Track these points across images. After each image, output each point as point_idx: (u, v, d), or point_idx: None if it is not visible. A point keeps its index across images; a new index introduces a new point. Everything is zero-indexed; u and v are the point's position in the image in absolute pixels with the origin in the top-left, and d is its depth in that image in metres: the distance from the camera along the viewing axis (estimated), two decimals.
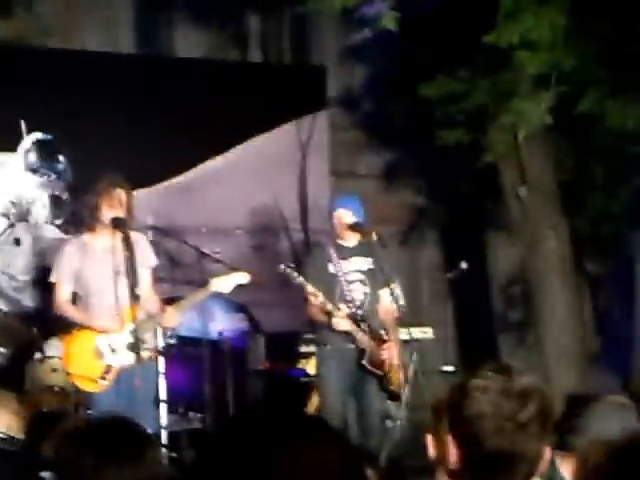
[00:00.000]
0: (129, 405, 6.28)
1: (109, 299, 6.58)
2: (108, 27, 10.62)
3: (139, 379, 6.49)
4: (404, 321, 7.69)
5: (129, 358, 6.56)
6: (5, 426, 7.02)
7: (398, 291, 7.83)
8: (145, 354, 6.61)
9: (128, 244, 6.63)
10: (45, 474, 5.82)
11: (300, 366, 8.45)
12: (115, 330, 6.58)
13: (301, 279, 7.28)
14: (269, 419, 1.95)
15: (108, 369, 6.53)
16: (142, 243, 6.83)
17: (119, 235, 6.59)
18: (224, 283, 6.86)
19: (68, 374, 6.69)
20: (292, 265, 7.44)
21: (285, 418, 1.94)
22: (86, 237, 6.75)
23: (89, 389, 6.58)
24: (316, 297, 7.26)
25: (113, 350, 6.59)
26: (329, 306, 7.28)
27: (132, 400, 6.41)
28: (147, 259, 6.81)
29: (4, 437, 6.80)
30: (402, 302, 7.98)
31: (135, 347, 6.55)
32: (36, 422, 6.51)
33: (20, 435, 6.89)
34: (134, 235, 6.77)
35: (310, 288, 7.25)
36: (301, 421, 1.95)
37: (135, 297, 6.59)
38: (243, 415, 2.00)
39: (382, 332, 7.50)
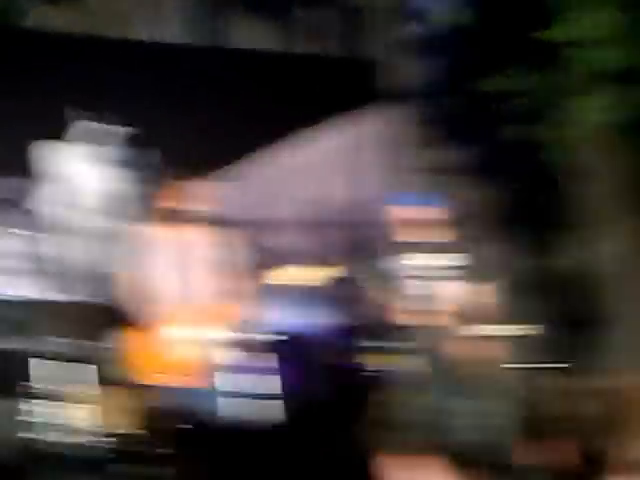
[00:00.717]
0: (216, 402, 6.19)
1: (176, 293, 6.50)
2: (156, 17, 10.58)
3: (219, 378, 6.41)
4: (479, 318, 7.69)
5: (219, 355, 6.47)
6: (115, 422, 6.95)
7: (476, 288, 7.83)
8: (222, 350, 6.53)
9: (197, 238, 6.57)
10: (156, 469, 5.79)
11: (377, 361, 8.36)
12: (188, 325, 6.47)
13: (366, 275, 7.26)
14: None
15: (195, 367, 6.41)
16: (211, 238, 6.73)
17: (186, 228, 6.52)
18: (303, 275, 6.78)
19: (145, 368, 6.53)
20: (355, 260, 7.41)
21: None
22: (155, 229, 6.67)
23: (168, 382, 6.44)
24: (384, 292, 7.25)
25: (197, 346, 6.48)
26: (397, 302, 7.27)
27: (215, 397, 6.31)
28: (216, 254, 6.69)
29: (115, 434, 6.75)
30: (482, 299, 7.99)
31: (213, 343, 6.48)
32: (151, 419, 6.46)
33: (132, 430, 6.85)
34: (202, 229, 6.67)
35: (376, 284, 7.22)
36: None
37: (208, 293, 6.54)
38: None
39: (457, 328, 7.49)
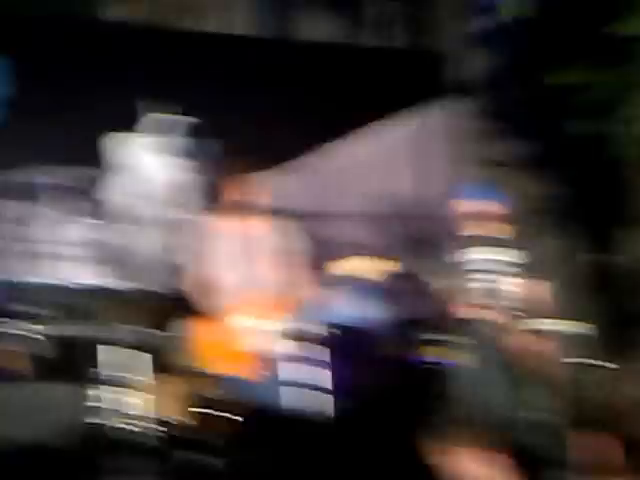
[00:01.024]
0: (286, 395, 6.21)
1: (242, 284, 6.51)
2: (228, 9, 10.63)
3: (294, 368, 6.43)
4: (538, 313, 7.62)
5: (281, 346, 6.48)
6: (171, 411, 7.06)
7: (534, 283, 7.78)
8: (283, 340, 6.54)
9: (257, 229, 6.58)
10: (213, 459, 5.86)
11: (437, 354, 8.35)
12: (258, 317, 6.48)
13: (429, 268, 7.22)
14: None
15: (257, 357, 6.42)
16: (266, 230, 6.71)
17: (251, 219, 6.53)
18: (366, 267, 6.74)
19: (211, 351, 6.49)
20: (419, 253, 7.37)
21: None
22: (220, 220, 6.67)
23: (229, 372, 6.44)
24: (445, 286, 7.21)
25: (258, 337, 6.49)
26: (457, 295, 7.22)
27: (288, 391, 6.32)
28: (290, 243, 6.69)
29: (174, 423, 6.84)
30: (541, 294, 7.94)
31: (284, 335, 6.49)
32: (202, 407, 6.53)
33: (181, 418, 6.94)
34: (267, 220, 6.67)
35: (439, 277, 7.18)
36: None
37: (270, 284, 6.54)
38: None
39: (517, 323, 7.42)
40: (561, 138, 9.42)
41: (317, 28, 10.64)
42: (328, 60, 10.23)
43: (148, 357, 6.83)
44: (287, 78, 9.93)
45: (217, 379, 6.57)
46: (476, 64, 10.73)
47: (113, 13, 10.35)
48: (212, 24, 10.51)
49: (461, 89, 10.70)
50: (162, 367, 6.95)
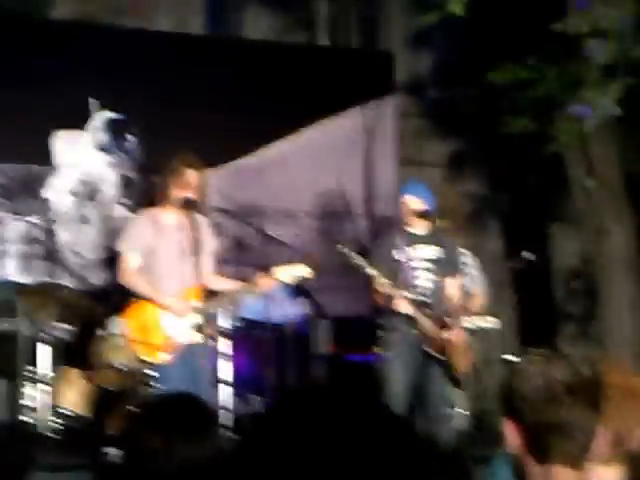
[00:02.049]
0: (190, 383, 6.15)
1: (175, 276, 6.47)
2: (179, 8, 10.56)
3: (201, 359, 6.39)
4: (469, 310, 7.57)
5: (192, 336, 6.45)
6: (71, 403, 7.00)
7: (466, 281, 7.72)
8: (207, 334, 6.50)
9: (195, 225, 6.54)
10: (109, 450, 5.79)
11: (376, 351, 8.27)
12: (179, 307, 6.44)
13: (360, 261, 7.12)
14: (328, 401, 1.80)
15: (170, 344, 6.38)
16: (206, 226, 6.71)
17: (188, 215, 6.49)
18: (286, 274, 6.65)
19: (131, 344, 6.43)
20: (350, 246, 7.27)
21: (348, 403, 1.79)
22: (157, 212, 6.64)
23: (149, 359, 6.37)
24: (377, 280, 7.11)
25: (176, 327, 6.45)
26: (391, 289, 7.13)
27: (193, 379, 6.29)
28: (210, 242, 6.68)
29: (70, 414, 6.79)
30: (474, 291, 7.88)
31: (198, 327, 6.46)
32: (101, 400, 6.46)
33: (85, 412, 6.87)
34: (200, 217, 6.67)
35: (370, 270, 7.09)
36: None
37: (199, 277, 6.51)
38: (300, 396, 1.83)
39: (448, 319, 7.35)
40: (502, 136, 9.32)
41: (267, 28, 10.58)
42: (275, 59, 10.16)
43: (50, 350, 6.76)
44: (234, 77, 9.86)
45: (130, 371, 6.47)
46: (421, 63, 10.66)
47: (64, 12, 10.29)
48: (163, 23, 10.45)
49: (406, 88, 10.64)
50: (68, 360, 6.89)
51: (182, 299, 6.49)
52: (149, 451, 2.77)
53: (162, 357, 6.38)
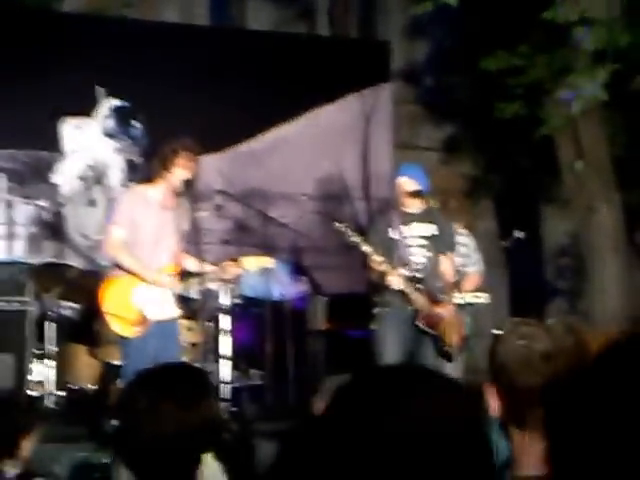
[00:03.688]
0: (160, 358, 6.06)
1: (156, 251, 6.38)
2: (183, 3, 10.57)
3: (172, 335, 6.30)
4: (461, 286, 7.53)
5: (165, 312, 6.35)
6: (76, 378, 6.99)
7: (462, 260, 7.68)
8: (179, 311, 6.41)
9: (179, 205, 6.46)
10: (112, 421, 5.77)
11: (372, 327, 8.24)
12: (162, 280, 6.35)
13: (356, 238, 7.06)
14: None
15: (143, 318, 6.27)
16: (185, 207, 6.60)
17: (179, 195, 6.42)
18: (250, 263, 6.62)
19: (105, 314, 6.36)
20: (348, 224, 7.21)
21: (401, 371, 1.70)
22: (146, 188, 6.55)
23: (121, 332, 6.29)
24: (372, 257, 7.07)
25: (149, 302, 6.34)
26: (385, 266, 7.08)
27: (163, 354, 6.18)
28: (185, 224, 6.59)
29: (75, 388, 6.78)
30: (472, 267, 7.85)
31: (174, 302, 6.37)
32: (105, 374, 6.45)
33: (90, 386, 6.87)
34: (181, 199, 6.56)
35: (366, 248, 7.04)
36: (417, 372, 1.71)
37: (175, 255, 6.43)
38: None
39: (440, 295, 7.30)
40: (494, 121, 9.28)
41: (268, 18, 10.57)
42: (276, 48, 10.12)
43: (57, 327, 6.73)
44: (237, 65, 9.82)
45: (122, 344, 6.39)
46: (417, 51, 10.62)
47: (74, 5, 10.29)
48: (169, 15, 10.44)
49: (401, 75, 10.60)
50: (74, 337, 6.86)
51: (160, 274, 6.38)
52: (138, 415, 2.72)
53: (134, 331, 6.25)
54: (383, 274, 7.07)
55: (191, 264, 6.47)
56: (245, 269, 6.50)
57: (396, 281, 7.07)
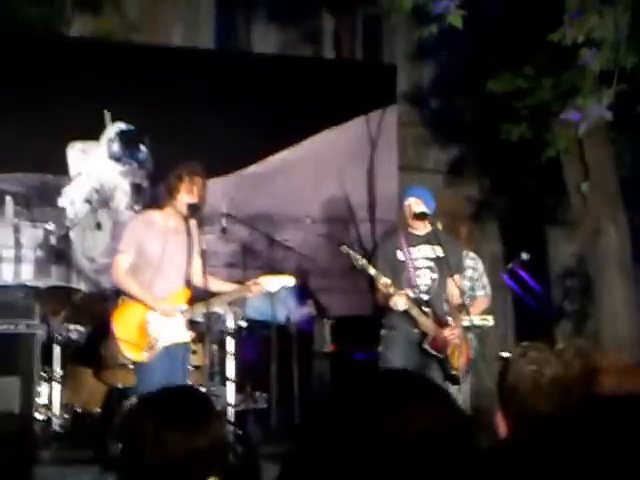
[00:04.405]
0: (167, 381, 6.13)
1: (166, 278, 6.45)
2: (190, 24, 10.66)
3: (182, 360, 6.37)
4: (468, 309, 7.55)
5: (176, 336, 6.42)
6: (82, 401, 7.05)
7: (471, 284, 7.71)
8: (191, 335, 6.48)
9: (189, 228, 6.54)
10: (119, 445, 5.79)
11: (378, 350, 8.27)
12: (166, 309, 6.42)
13: (362, 261, 7.10)
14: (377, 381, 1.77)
15: (154, 343, 6.35)
16: (196, 229, 6.68)
17: (187, 219, 6.50)
18: (272, 283, 6.69)
19: (117, 339, 6.42)
20: (353, 247, 7.26)
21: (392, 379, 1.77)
22: (153, 214, 6.63)
23: (133, 356, 6.35)
24: (377, 279, 7.10)
25: (161, 326, 6.40)
26: (390, 288, 7.11)
27: (173, 379, 6.25)
28: (199, 244, 6.65)
29: (81, 411, 6.84)
30: (481, 291, 7.88)
31: (185, 327, 6.44)
32: (110, 397, 6.51)
33: (96, 409, 6.92)
34: (191, 221, 6.63)
35: (372, 271, 7.07)
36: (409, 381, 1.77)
37: (191, 279, 6.50)
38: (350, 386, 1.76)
39: (447, 318, 7.33)
40: (500, 143, 9.36)
41: (274, 41, 10.67)
42: (283, 71, 10.20)
43: (64, 350, 6.80)
44: (243, 88, 9.91)
45: (130, 368, 6.46)
46: (423, 73, 10.72)
47: (81, 29, 10.39)
48: (175, 38, 10.54)
49: (407, 97, 10.69)
50: (80, 360, 6.92)
51: (171, 301, 6.46)
52: (142, 439, 2.75)
53: (145, 355, 6.33)
54: (388, 296, 7.11)
55: (214, 284, 6.53)
56: (266, 289, 6.58)
57: (400, 303, 7.09)
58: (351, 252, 7.04)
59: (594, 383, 2.52)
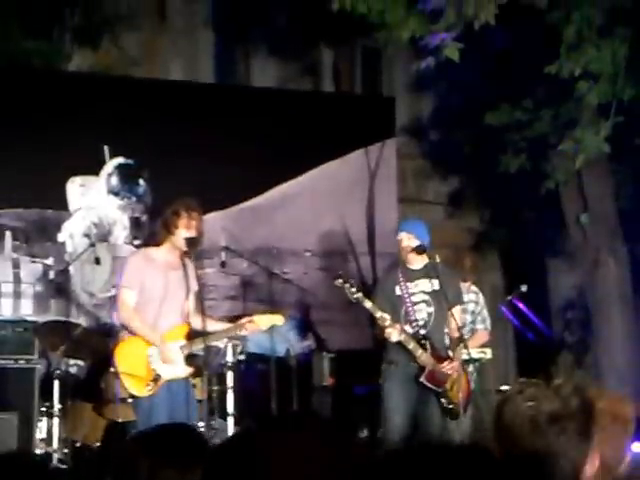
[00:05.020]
0: (171, 417, 6.23)
1: (167, 313, 6.54)
2: (189, 58, 10.79)
3: (183, 394, 6.45)
4: (465, 341, 7.60)
5: (176, 371, 6.50)
6: (81, 435, 7.12)
7: (463, 314, 7.77)
8: (190, 370, 6.56)
9: (185, 265, 6.63)
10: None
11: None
12: (166, 347, 6.51)
13: (357, 294, 7.12)
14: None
15: (156, 377, 6.43)
16: (192, 267, 6.77)
17: (184, 255, 6.59)
18: (264, 321, 6.79)
19: (119, 373, 6.46)
20: (351, 281, 7.26)
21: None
22: (152, 251, 6.73)
23: (135, 391, 6.42)
24: (374, 313, 7.14)
25: (163, 361, 6.49)
26: (386, 321, 7.15)
27: (174, 413, 6.33)
28: (194, 283, 6.75)
29: (80, 445, 6.91)
30: (481, 325, 7.95)
31: (184, 362, 6.52)
32: (110, 432, 6.57)
33: (96, 443, 6.98)
34: (187, 259, 6.73)
35: (367, 304, 7.11)
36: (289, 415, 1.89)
37: (187, 316, 6.59)
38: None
39: (445, 351, 7.38)
40: (499, 175, 9.46)
41: (273, 75, 10.80)
42: (282, 104, 10.32)
43: (63, 385, 6.88)
44: (242, 122, 10.01)
45: (134, 403, 6.53)
46: (422, 106, 10.84)
47: (80, 64, 10.51)
48: (175, 72, 10.66)
49: (407, 130, 10.81)
50: (80, 394, 6.99)
51: (171, 335, 6.55)
52: (137, 477, 2.81)
53: (147, 390, 6.41)
54: (383, 328, 7.16)
55: (208, 324, 6.59)
56: (259, 327, 6.67)
57: (394, 334, 7.12)
58: (346, 286, 7.07)
59: (590, 418, 2.54)
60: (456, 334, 7.46)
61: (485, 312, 8.21)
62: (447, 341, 7.42)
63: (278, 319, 6.83)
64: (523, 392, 2.56)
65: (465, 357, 7.52)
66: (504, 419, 2.55)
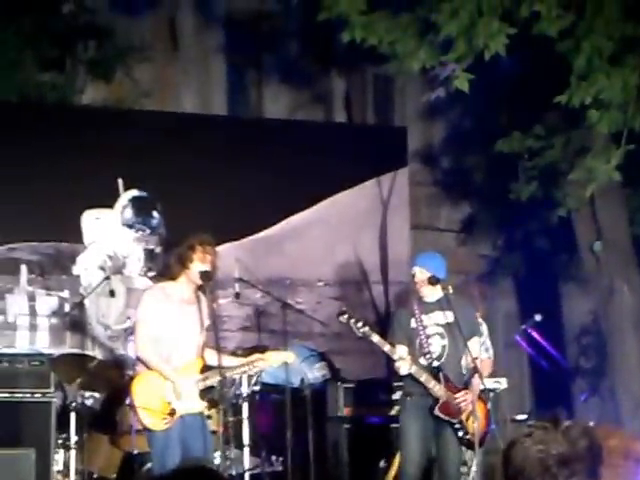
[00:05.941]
0: (185, 449, 6.38)
1: (180, 347, 6.68)
2: (201, 88, 10.95)
3: (199, 428, 6.57)
4: (480, 373, 7.66)
5: (191, 406, 6.63)
6: (98, 467, 7.26)
7: (477, 345, 7.85)
8: (205, 405, 6.69)
9: (200, 300, 6.76)
10: None
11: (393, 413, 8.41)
12: (182, 378, 6.63)
13: (365, 329, 7.14)
14: None
15: (172, 411, 6.54)
16: (205, 303, 6.89)
17: (198, 289, 6.73)
18: (275, 358, 6.95)
19: (137, 407, 6.57)
20: (356, 316, 7.26)
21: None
22: (168, 286, 6.86)
23: (150, 425, 6.54)
24: (382, 347, 7.20)
25: (177, 396, 6.61)
26: (395, 355, 7.22)
27: (187, 445, 6.47)
28: (206, 318, 6.88)
29: (97, 477, 7.05)
30: (485, 354, 8.02)
31: (200, 396, 6.64)
32: (126, 463, 6.69)
33: (112, 475, 7.12)
34: (201, 294, 6.85)
35: (375, 337, 7.15)
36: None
37: (201, 349, 6.72)
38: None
39: (460, 383, 7.43)
40: (511, 202, 9.59)
41: (286, 105, 10.95)
42: (294, 135, 10.45)
43: (80, 417, 7.00)
44: (255, 153, 10.15)
45: (150, 437, 6.66)
46: (433, 134, 10.97)
47: (94, 97, 10.68)
48: (187, 104, 10.82)
49: (419, 158, 10.93)
50: (96, 427, 7.12)
51: (185, 370, 6.68)
52: None
53: (163, 424, 6.53)
54: (392, 361, 7.23)
55: (220, 360, 6.69)
56: (271, 364, 6.83)
57: (404, 367, 7.18)
58: (352, 321, 7.07)
59: (598, 459, 2.62)
60: (471, 364, 7.53)
61: (488, 341, 8.30)
62: (464, 372, 7.47)
63: (289, 356, 7.00)
64: (532, 435, 2.62)
65: (480, 387, 7.59)
66: (514, 463, 2.62)
